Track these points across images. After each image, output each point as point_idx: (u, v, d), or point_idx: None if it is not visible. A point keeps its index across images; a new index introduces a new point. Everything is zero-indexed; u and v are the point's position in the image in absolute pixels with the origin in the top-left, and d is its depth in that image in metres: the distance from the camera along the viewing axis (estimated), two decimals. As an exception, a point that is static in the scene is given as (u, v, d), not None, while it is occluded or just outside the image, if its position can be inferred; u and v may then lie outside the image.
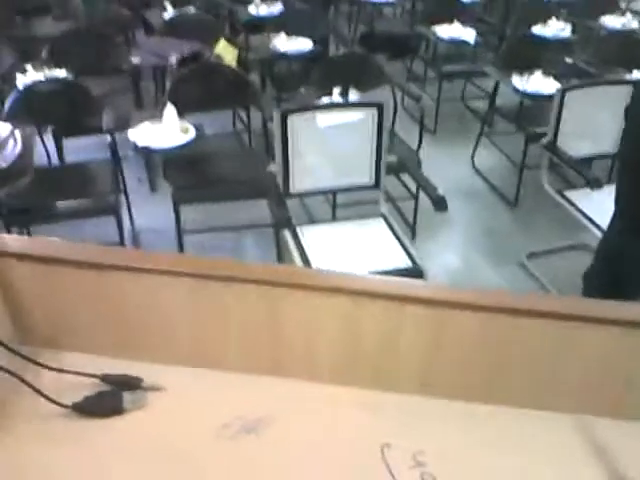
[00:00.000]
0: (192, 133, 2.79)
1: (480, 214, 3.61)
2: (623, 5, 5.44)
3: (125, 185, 3.16)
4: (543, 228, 3.41)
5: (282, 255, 2.99)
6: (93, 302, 0.89)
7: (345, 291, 0.85)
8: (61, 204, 2.77)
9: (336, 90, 3.13)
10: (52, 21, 4.59)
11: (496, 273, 3.03)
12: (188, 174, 2.96)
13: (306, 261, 2.34)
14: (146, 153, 2.88)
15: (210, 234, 3.15)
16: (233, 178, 2.97)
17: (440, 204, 2.46)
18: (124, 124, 2.89)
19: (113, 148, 2.89)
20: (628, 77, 3.55)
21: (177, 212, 2.82)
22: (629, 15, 5.05)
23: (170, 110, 2.85)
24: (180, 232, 2.89)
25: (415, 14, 5.49)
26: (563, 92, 2.88)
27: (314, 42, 4.09)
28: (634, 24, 4.92)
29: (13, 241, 0.95)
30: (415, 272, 2.31)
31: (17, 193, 2.60)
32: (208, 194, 2.91)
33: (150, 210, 3.33)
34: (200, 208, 3.07)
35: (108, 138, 2.86)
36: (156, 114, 2.87)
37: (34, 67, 3.38)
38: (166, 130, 2.78)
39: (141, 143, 2.71)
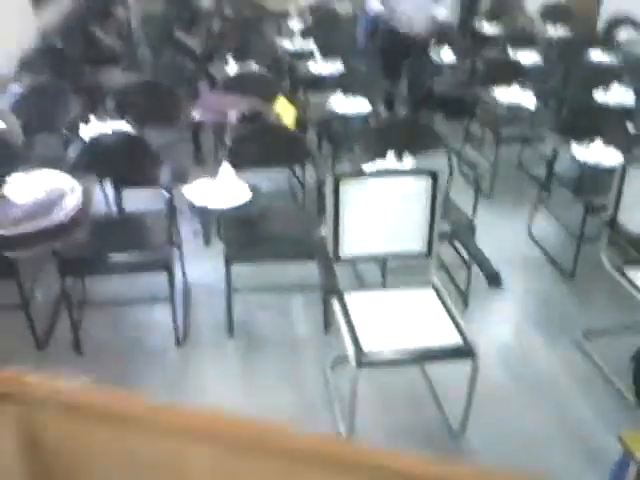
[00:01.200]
0: (248, 195, 2.82)
1: (535, 285, 3.51)
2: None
3: (179, 238, 3.21)
4: (600, 304, 3.29)
5: (329, 320, 2.97)
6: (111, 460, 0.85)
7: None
8: (116, 255, 2.82)
9: (390, 154, 3.13)
10: (120, 72, 4.78)
11: (550, 351, 2.92)
12: (241, 232, 2.98)
13: (351, 329, 2.30)
14: (201, 213, 2.92)
15: (259, 293, 3.15)
16: (284, 238, 2.98)
17: (494, 280, 2.40)
18: (182, 178, 2.95)
19: (170, 203, 2.94)
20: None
21: (228, 271, 2.83)
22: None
23: (227, 169, 2.90)
24: (230, 291, 2.90)
25: (475, 75, 5.48)
26: (625, 166, 2.81)
27: (372, 103, 4.13)
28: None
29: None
30: (465, 351, 2.24)
31: (74, 243, 2.66)
32: (259, 253, 2.92)
33: (202, 265, 3.38)
34: (253, 268, 3.08)
35: (166, 194, 2.92)
36: (214, 171, 2.92)
37: (98, 117, 3.52)
38: (222, 190, 2.82)
39: (197, 202, 2.76)
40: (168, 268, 2.77)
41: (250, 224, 3.04)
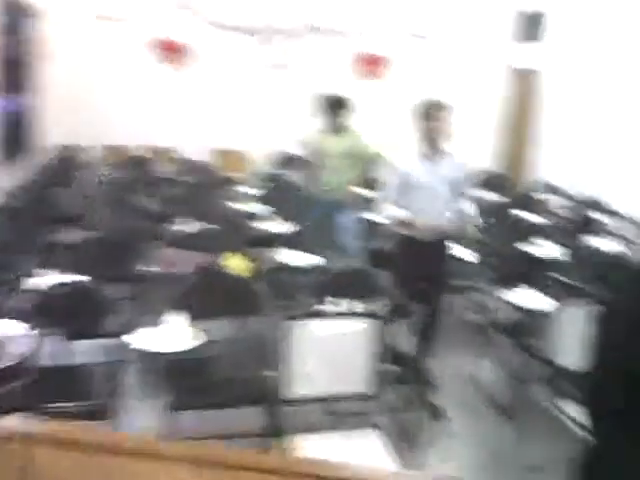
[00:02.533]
0: (199, 340, 2.88)
1: (479, 428, 3.53)
2: (611, 229, 5.81)
3: (126, 388, 3.18)
4: (543, 442, 3.31)
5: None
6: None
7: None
8: (57, 406, 2.76)
9: (337, 300, 3.28)
10: (79, 230, 4.95)
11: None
12: (188, 380, 2.99)
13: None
14: (149, 358, 2.94)
15: (205, 442, 3.07)
16: (231, 384, 2.99)
17: (438, 416, 2.45)
18: (132, 329, 3.00)
19: (118, 352, 2.96)
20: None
21: (173, 419, 2.80)
22: (613, 239, 5.36)
23: (177, 317, 2.98)
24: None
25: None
26: (558, 310, 2.99)
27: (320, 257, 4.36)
28: (619, 247, 5.20)
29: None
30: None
31: (10, 393, 2.61)
32: (206, 400, 2.91)
33: (146, 415, 3.30)
34: (198, 414, 3.03)
35: (114, 342, 2.95)
36: (165, 321, 2.99)
37: (49, 270, 3.61)
38: (172, 336, 2.88)
39: (145, 348, 2.80)
40: (110, 417, 2.72)
41: (197, 371, 3.06)
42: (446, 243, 3.74)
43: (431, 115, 3.52)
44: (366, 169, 5.50)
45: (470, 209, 3.81)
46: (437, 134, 3.53)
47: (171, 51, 7.64)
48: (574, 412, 2.81)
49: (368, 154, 5.37)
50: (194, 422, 3.11)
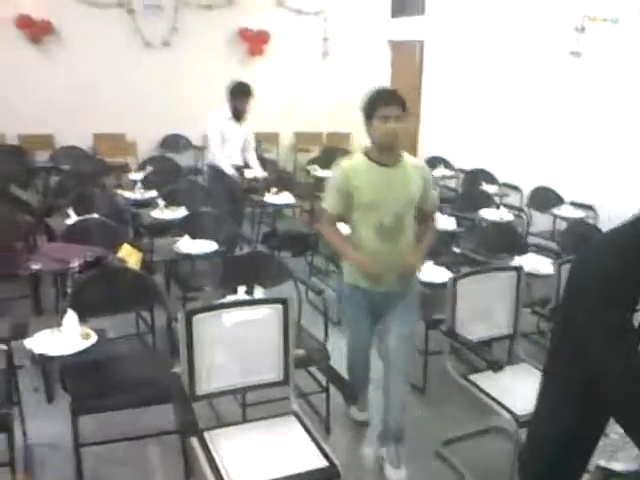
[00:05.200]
0: (93, 339, 2.70)
1: (391, 402, 3.59)
2: (497, 200, 6.12)
3: (20, 397, 2.95)
4: (454, 413, 3.43)
5: (191, 465, 2.80)
6: None
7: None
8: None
9: (241, 289, 3.19)
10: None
11: (412, 462, 2.95)
12: (87, 382, 2.81)
13: (215, 470, 2.19)
14: (43, 362, 2.72)
15: (112, 445, 2.92)
16: (135, 383, 2.84)
17: (350, 398, 2.45)
18: (22, 332, 2.76)
19: (8, 359, 2.72)
20: (512, 263, 3.85)
21: (75, 424, 2.62)
22: (503, 208, 5.65)
23: (70, 316, 2.77)
24: (77, 447, 2.67)
25: (312, 214, 5.85)
26: (455, 280, 3.07)
27: (218, 243, 4.23)
28: (509, 216, 5.51)
29: None
30: (330, 472, 2.22)
31: None
32: (108, 402, 2.74)
33: (46, 423, 3.09)
34: (102, 417, 2.87)
35: (3, 347, 2.71)
36: (56, 320, 2.78)
37: None
38: (65, 337, 2.68)
39: (38, 351, 2.58)
40: (7, 429, 2.51)
41: (97, 372, 2.87)
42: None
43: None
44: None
45: None
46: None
47: (36, 30, 7.07)
48: (483, 383, 2.92)
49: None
50: (102, 426, 2.95)
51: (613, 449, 1.78)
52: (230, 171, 5.49)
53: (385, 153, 2.81)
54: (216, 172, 5.55)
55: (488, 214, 5.48)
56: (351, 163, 2.89)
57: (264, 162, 6.29)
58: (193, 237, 4.22)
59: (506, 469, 2.62)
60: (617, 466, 1.73)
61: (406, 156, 2.90)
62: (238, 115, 5.41)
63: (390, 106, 2.71)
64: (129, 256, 3.83)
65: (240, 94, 5.35)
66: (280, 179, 6.22)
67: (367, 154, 2.86)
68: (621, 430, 1.64)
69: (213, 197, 5.36)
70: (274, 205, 5.83)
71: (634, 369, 1.53)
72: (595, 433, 1.67)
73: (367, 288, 2.91)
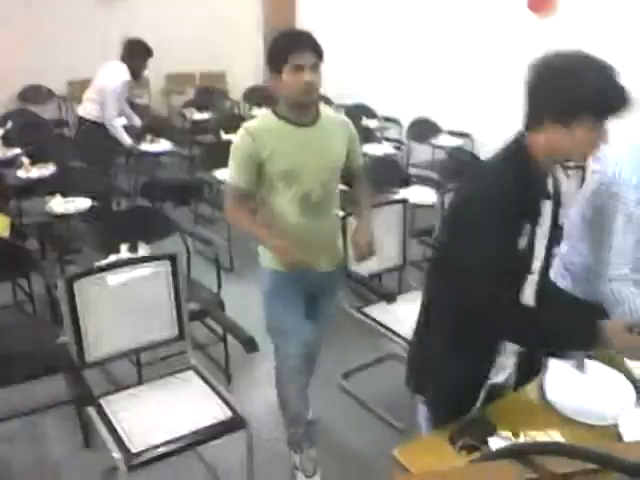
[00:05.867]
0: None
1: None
2: (378, 134, 6.18)
3: None
4: (352, 347, 3.51)
5: (88, 433, 2.70)
6: None
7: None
8: None
9: (124, 246, 3.04)
10: None
11: (317, 399, 3.01)
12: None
13: (117, 437, 2.11)
14: None
15: (2, 424, 2.75)
16: (17, 356, 2.65)
17: (250, 345, 2.42)
18: None
19: None
20: (397, 196, 3.92)
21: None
22: (385, 143, 5.73)
23: None
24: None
25: (193, 161, 5.66)
26: (344, 218, 3.08)
27: (93, 199, 3.98)
28: (391, 150, 5.60)
29: None
30: (235, 422, 2.21)
31: None
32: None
33: None
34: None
35: None
36: None
37: None
38: None
39: None
40: None
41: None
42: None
43: None
44: None
45: None
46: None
47: None
48: (377, 315, 3.00)
49: None
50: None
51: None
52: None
53: (300, 111, 2.34)
54: (98, 129, 5.01)
55: (371, 149, 5.49)
56: (258, 125, 2.37)
57: (136, 108, 5.95)
58: (65, 195, 3.94)
59: (403, 391, 2.73)
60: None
61: (325, 111, 2.48)
62: (139, 75, 5.00)
63: (304, 53, 2.22)
64: (-5, 222, 3.53)
65: (144, 54, 4.90)
66: (155, 125, 5.92)
67: (277, 113, 2.37)
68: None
69: (86, 152, 4.98)
70: (152, 154, 5.57)
71: (508, 318, 1.63)
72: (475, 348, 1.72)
73: (284, 270, 2.40)
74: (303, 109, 2.35)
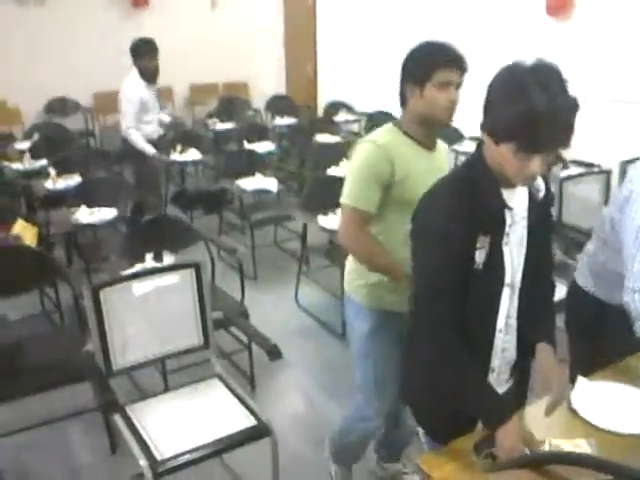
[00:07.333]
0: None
1: (313, 351, 3.64)
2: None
3: None
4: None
5: (115, 440, 2.72)
6: None
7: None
8: None
9: (148, 255, 3.07)
10: None
11: (341, 407, 3.00)
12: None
13: (143, 444, 2.13)
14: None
15: (31, 432, 2.78)
16: (45, 365, 2.69)
17: (273, 353, 2.43)
18: None
19: None
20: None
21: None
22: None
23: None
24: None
25: (218, 170, 5.71)
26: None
27: (118, 209, 4.03)
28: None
29: None
30: (260, 431, 2.21)
31: None
32: (18, 388, 2.59)
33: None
34: (16, 404, 2.71)
35: None
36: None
37: None
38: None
39: None
40: None
41: (2, 358, 2.70)
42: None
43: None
44: None
45: None
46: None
47: None
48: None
49: None
50: (18, 413, 2.80)
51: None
52: (150, 151, 4.86)
53: (428, 132, 2.06)
54: (136, 153, 4.87)
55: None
56: (388, 141, 2.03)
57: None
58: (90, 205, 4.00)
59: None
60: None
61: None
62: (151, 76, 4.82)
63: (453, 69, 1.95)
64: (25, 232, 3.60)
65: (145, 52, 4.76)
66: (183, 136, 5.98)
67: (406, 131, 2.06)
68: None
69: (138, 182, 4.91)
70: (181, 163, 5.63)
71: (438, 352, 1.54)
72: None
73: (393, 309, 2.08)
74: (432, 130, 2.08)
